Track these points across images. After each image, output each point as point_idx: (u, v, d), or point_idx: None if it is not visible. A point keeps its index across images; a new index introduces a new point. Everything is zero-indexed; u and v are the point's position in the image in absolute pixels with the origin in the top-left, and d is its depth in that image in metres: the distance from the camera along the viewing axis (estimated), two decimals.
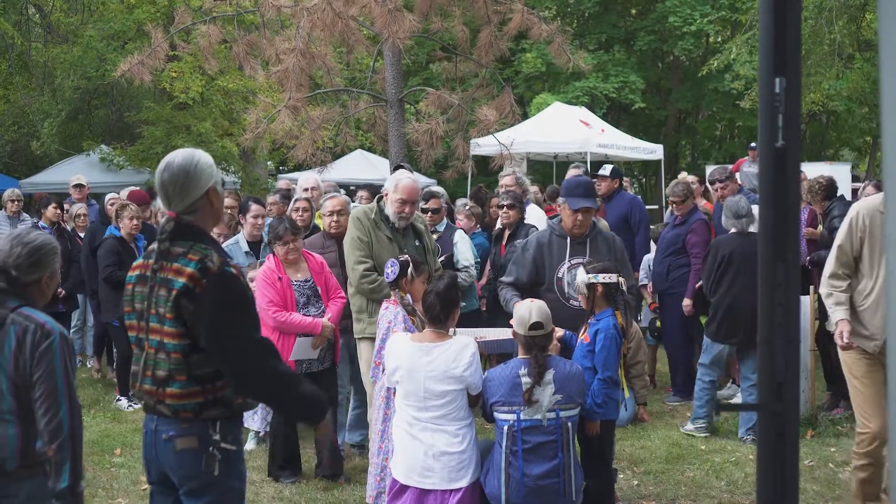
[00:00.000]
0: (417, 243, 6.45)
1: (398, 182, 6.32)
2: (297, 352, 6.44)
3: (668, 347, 9.29)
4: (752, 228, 7.74)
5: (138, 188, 11.62)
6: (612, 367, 5.34)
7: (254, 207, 8.23)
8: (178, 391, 3.48)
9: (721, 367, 7.97)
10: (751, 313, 7.42)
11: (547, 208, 10.62)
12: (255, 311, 3.65)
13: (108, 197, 10.98)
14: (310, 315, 6.56)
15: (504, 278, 6.31)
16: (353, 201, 9.52)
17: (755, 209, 8.03)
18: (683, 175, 12.55)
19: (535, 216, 9.17)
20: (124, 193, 10.50)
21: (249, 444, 7.48)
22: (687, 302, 8.66)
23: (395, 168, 11.44)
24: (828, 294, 5.64)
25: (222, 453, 3.53)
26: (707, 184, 10.84)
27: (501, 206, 8.54)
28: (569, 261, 5.94)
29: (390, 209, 6.32)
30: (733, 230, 7.80)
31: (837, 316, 5.54)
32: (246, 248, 8.02)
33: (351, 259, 6.30)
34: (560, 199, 6.25)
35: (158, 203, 10.53)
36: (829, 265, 5.68)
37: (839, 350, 5.65)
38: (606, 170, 10.22)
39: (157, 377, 3.51)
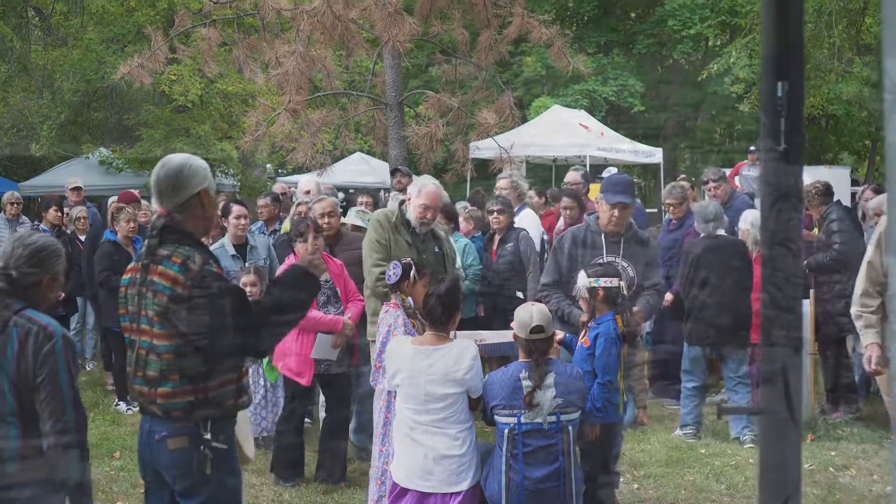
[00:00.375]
0: (437, 249, 6.46)
1: (422, 187, 6.33)
2: (318, 350, 6.43)
3: (663, 350, 9.27)
4: (721, 231, 7.81)
5: (136, 191, 11.61)
6: (611, 372, 5.33)
7: (235, 209, 8.08)
8: (170, 390, 3.53)
9: (703, 370, 7.97)
10: (720, 314, 7.49)
11: (547, 212, 10.62)
12: (241, 303, 3.65)
13: (110, 200, 10.96)
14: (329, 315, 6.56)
15: (544, 279, 6.31)
16: (360, 206, 9.48)
17: (754, 213, 8.07)
18: (682, 179, 12.59)
19: (527, 221, 9.15)
20: None
21: None
22: (668, 296, 8.67)
23: (393, 171, 11.46)
24: (857, 315, 5.51)
25: (214, 452, 3.57)
26: (702, 185, 10.86)
27: (491, 212, 8.56)
28: (604, 258, 5.95)
29: (412, 214, 6.32)
30: (703, 234, 7.87)
31: (867, 339, 5.42)
32: (232, 251, 7.89)
33: (368, 261, 6.30)
34: (598, 196, 6.28)
35: (149, 204, 10.59)
36: (860, 283, 5.54)
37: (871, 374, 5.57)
38: (611, 173, 10.25)
39: (149, 377, 3.57)
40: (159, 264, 3.56)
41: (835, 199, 8.72)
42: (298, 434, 6.81)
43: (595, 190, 13.23)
